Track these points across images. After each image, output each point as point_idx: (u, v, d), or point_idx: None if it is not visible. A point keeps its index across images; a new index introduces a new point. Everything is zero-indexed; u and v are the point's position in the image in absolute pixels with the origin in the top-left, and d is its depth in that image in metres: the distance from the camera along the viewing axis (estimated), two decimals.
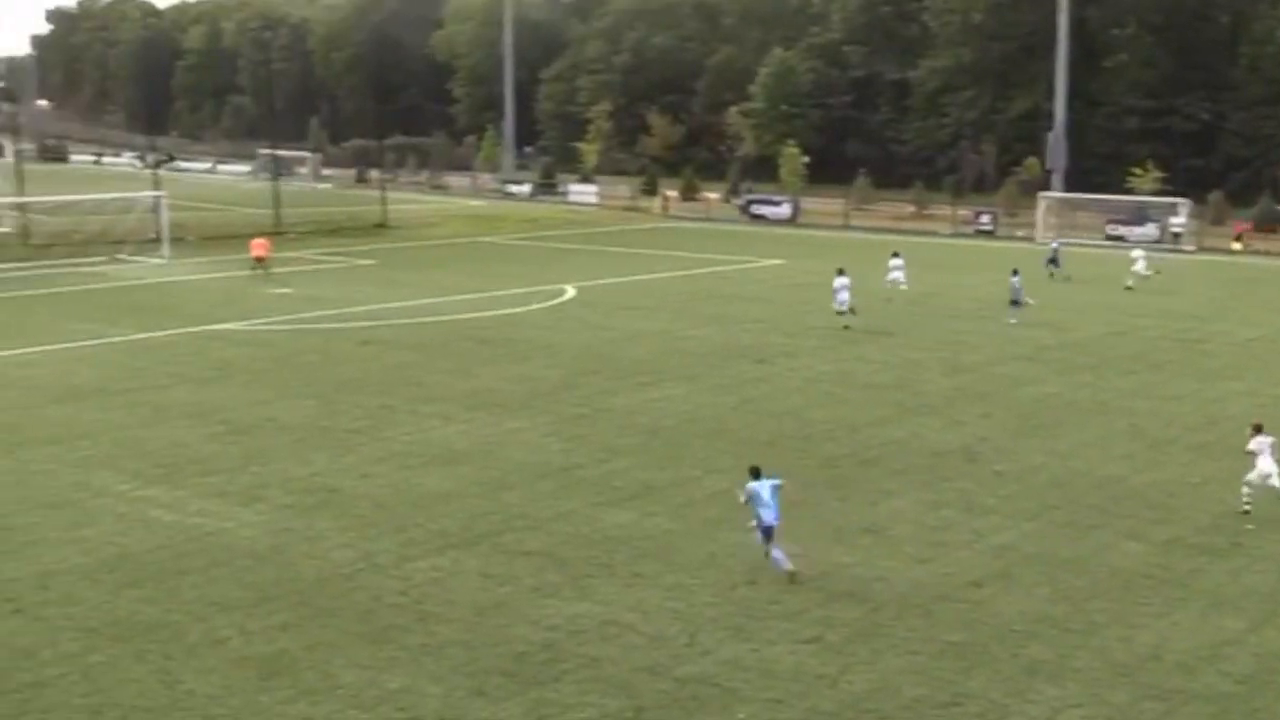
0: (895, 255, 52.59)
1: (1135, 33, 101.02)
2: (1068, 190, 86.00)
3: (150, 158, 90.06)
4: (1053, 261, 57.87)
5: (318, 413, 31.32)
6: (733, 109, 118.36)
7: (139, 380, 35.01)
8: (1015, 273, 46.98)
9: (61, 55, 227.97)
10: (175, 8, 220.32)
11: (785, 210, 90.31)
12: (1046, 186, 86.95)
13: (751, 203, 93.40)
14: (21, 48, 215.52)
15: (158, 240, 64.42)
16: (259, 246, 58.45)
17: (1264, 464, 23.49)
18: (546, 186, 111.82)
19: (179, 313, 46.80)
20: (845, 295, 44.39)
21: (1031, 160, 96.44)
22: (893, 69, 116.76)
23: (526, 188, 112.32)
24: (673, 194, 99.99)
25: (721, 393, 33.83)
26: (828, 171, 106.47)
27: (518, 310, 47.81)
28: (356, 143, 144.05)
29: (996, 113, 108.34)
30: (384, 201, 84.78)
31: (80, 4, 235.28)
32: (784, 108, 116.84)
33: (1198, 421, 31.01)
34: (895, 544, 22.26)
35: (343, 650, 17.83)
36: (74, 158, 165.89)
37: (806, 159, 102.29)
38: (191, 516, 23.42)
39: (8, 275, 56.29)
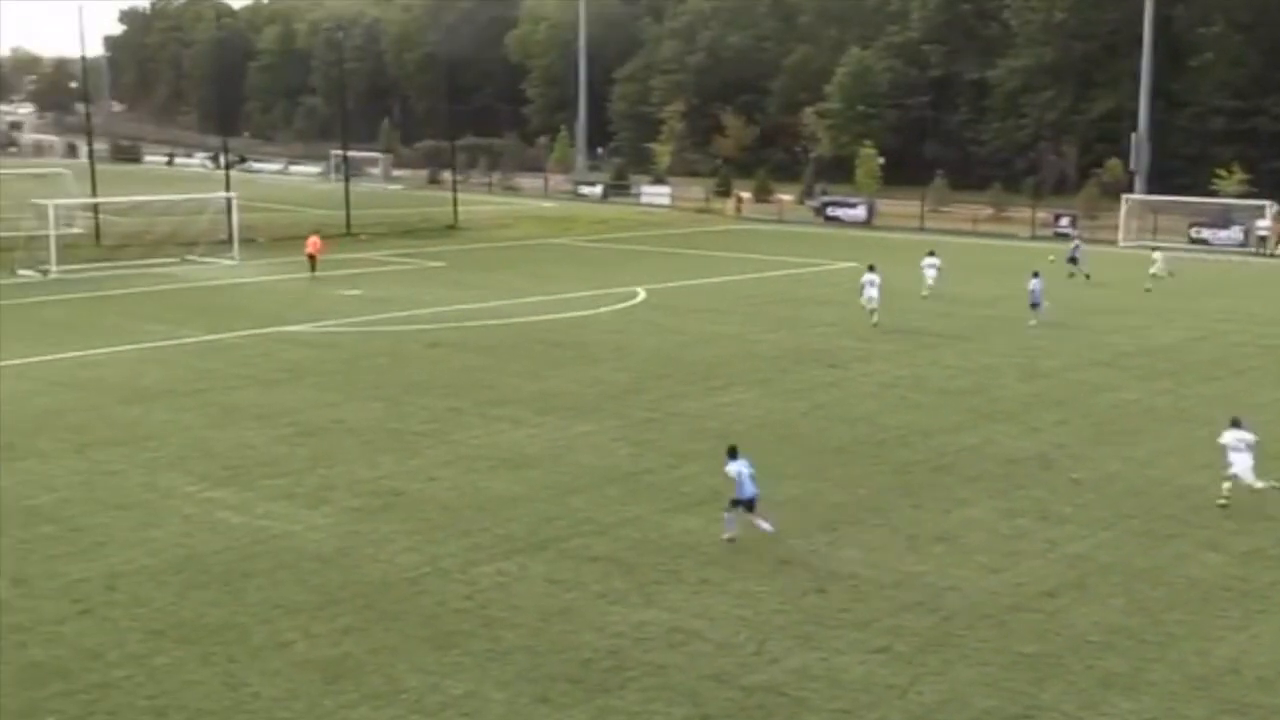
0: (930, 254, 53.12)
1: (1223, 31, 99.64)
2: (1150, 192, 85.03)
3: (223, 159, 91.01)
4: (1072, 260, 57.97)
5: (385, 415, 31.59)
6: (808, 109, 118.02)
7: (208, 381, 35.47)
8: (1036, 275, 46.94)
9: (135, 56, 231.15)
10: (249, 8, 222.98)
11: (860, 212, 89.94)
12: (1129, 189, 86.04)
13: (826, 205, 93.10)
14: (95, 48, 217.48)
15: (229, 241, 65.18)
16: (312, 244, 59.64)
17: (1238, 461, 24.38)
18: (619, 188, 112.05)
19: (248, 314, 47.36)
20: (873, 292, 45.18)
21: (1113, 162, 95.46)
22: (972, 68, 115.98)
23: (598, 189, 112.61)
24: (746, 195, 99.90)
25: (793, 397, 33.76)
26: (904, 173, 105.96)
27: (588, 313, 47.96)
28: (428, 143, 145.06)
29: (1078, 113, 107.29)
30: (455, 203, 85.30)
31: (154, 4, 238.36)
32: (860, 108, 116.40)
33: None
34: (968, 553, 22.12)
35: (407, 655, 17.98)
36: (146, 159, 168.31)
37: (882, 160, 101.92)
38: (258, 518, 23.70)
39: (80, 276, 57.21)
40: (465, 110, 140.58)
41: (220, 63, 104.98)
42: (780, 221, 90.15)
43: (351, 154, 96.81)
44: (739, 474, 22.47)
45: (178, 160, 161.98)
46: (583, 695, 16.86)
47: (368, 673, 17.45)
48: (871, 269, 46.13)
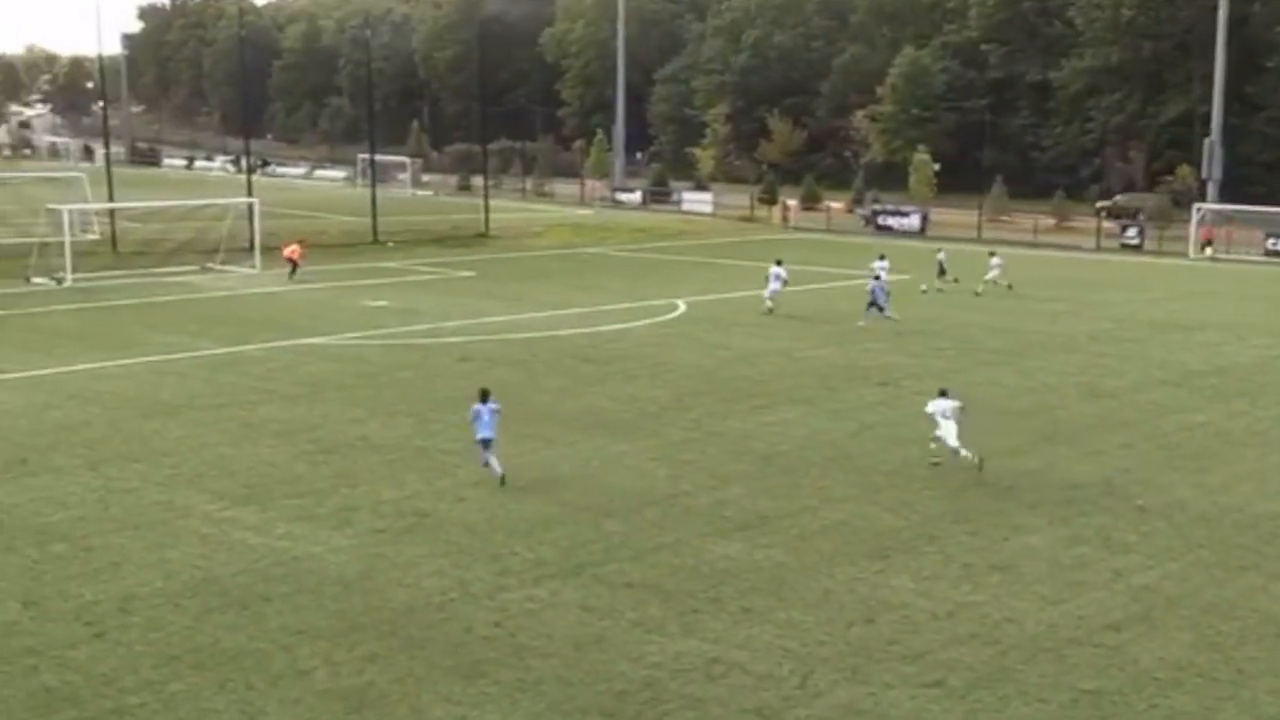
0: (881, 258, 55.75)
1: None
2: (1223, 201, 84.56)
3: (245, 162, 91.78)
4: (941, 273, 59.02)
5: (412, 432, 31.72)
6: (859, 112, 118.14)
7: (227, 396, 35.71)
8: (877, 278, 48.76)
9: (154, 55, 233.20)
10: (273, 5, 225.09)
11: (914, 221, 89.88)
12: (1200, 197, 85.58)
13: (877, 213, 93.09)
14: (112, 46, 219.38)
15: (250, 249, 65.62)
16: (291, 250, 61.54)
17: (946, 428, 27.96)
18: (658, 194, 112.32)
19: (270, 325, 47.66)
20: (776, 285, 50.34)
21: (1184, 168, 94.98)
22: (1034, 69, 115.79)
23: (637, 196, 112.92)
24: (793, 203, 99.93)
25: (841, 417, 33.72)
26: (960, 180, 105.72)
27: (625, 326, 48.04)
28: (459, 147, 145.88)
29: (1146, 117, 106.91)
30: (486, 209, 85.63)
31: (174, 1, 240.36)
32: (914, 111, 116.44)
33: None
34: (1026, 583, 22.03)
35: (433, 684, 18.03)
36: (165, 162, 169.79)
37: (937, 166, 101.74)
38: (278, 539, 23.83)
39: (95, 284, 57.69)
40: (498, 112, 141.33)
41: (242, 62, 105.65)
42: (829, 230, 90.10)
43: (379, 158, 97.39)
44: (476, 412, 27.04)
45: (198, 164, 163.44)
46: None
47: (392, 703, 17.51)
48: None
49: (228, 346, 43.20)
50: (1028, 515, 25.68)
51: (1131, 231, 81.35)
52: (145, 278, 60.27)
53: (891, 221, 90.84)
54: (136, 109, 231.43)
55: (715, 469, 28.69)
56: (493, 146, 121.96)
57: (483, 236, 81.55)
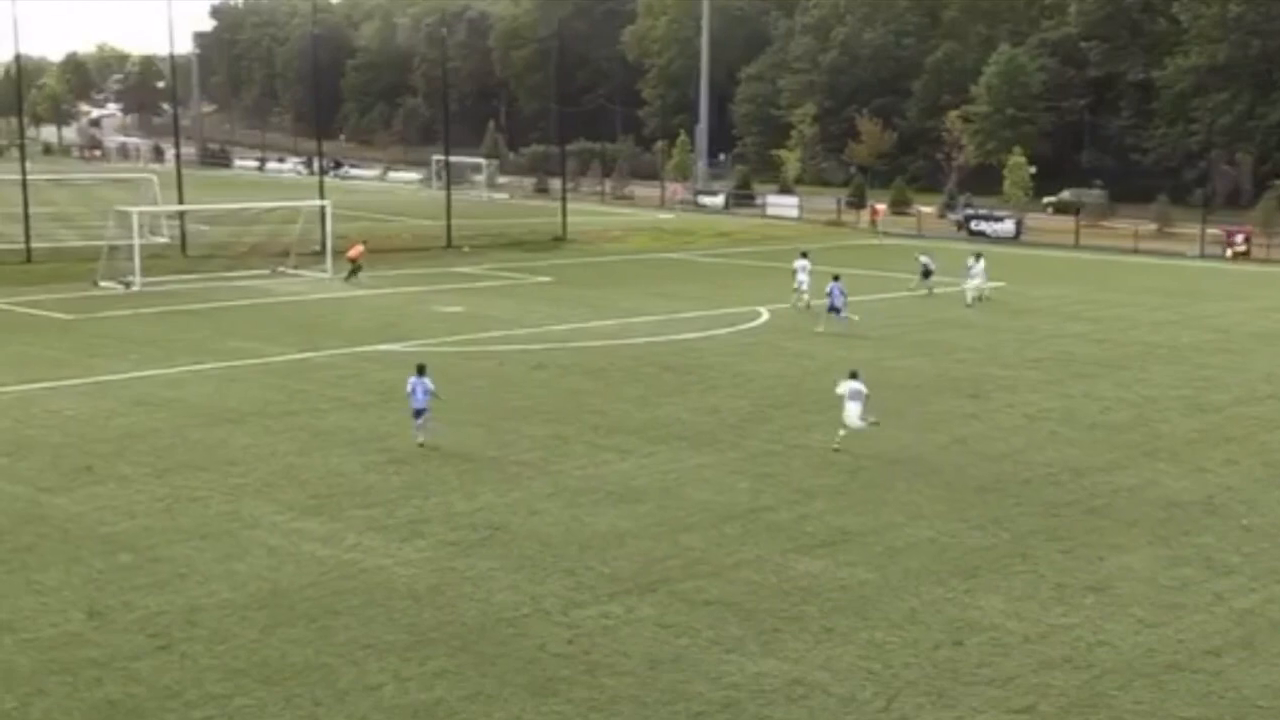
0: (802, 255, 56.09)
1: None
2: None
3: (317, 164, 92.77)
4: (926, 275, 59.23)
5: (485, 442, 31.91)
6: (952, 113, 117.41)
7: (296, 403, 36.09)
8: (836, 278, 49.25)
9: (225, 54, 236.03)
10: (347, 3, 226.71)
11: (1008, 227, 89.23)
12: None
13: (970, 218, 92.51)
14: (184, 45, 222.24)
15: (322, 253, 66.25)
16: (356, 250, 62.52)
17: (850, 409, 31.01)
18: (742, 197, 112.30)
19: (340, 331, 48.12)
20: (804, 278, 52.51)
21: None
22: (1136, 68, 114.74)
23: (720, 199, 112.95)
24: (882, 207, 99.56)
25: (930, 430, 33.57)
26: (1057, 184, 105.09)
27: (706, 334, 48.07)
28: (536, 149, 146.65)
29: (1255, 118, 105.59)
30: (564, 213, 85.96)
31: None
32: (1010, 111, 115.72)
33: None
34: (1123, 604, 21.83)
35: (504, 702, 18.14)
36: (237, 163, 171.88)
37: (1033, 169, 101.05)
38: (347, 551, 24.05)
39: (164, 289, 58.44)
40: (576, 113, 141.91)
41: (315, 61, 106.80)
42: (919, 236, 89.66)
43: (454, 159, 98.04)
44: (412, 386, 31.14)
45: (269, 165, 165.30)
46: None
47: None
48: (804, 255, 54.31)
49: (298, 353, 43.64)
50: (1125, 534, 25.46)
51: (1240, 238, 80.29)
52: (215, 282, 60.99)
53: (985, 227, 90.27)
54: (208, 109, 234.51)
55: (798, 483, 28.65)
56: (571, 148, 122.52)
57: (560, 241, 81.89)
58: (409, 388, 31.31)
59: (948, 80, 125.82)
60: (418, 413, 31.16)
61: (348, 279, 61.46)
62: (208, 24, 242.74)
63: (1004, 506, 27.03)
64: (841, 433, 31.05)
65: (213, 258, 68.19)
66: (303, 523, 25.69)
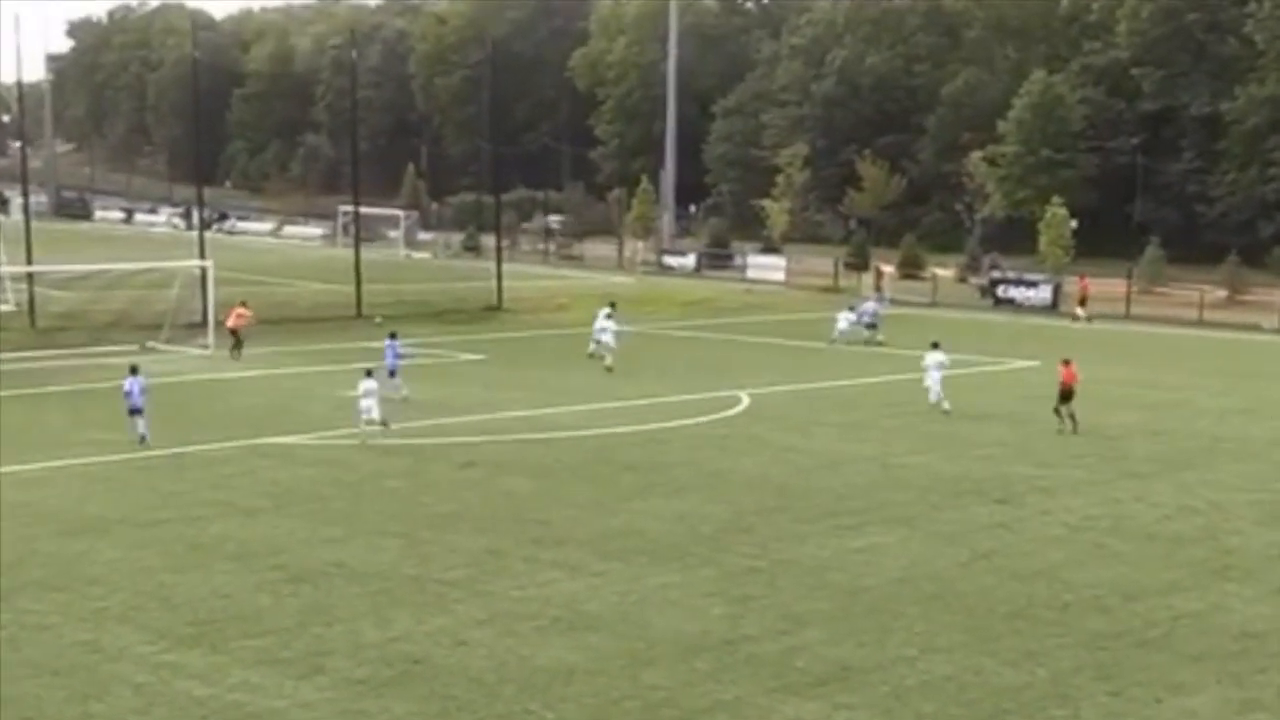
0: (610, 307, 62.93)
1: None
2: None
3: (197, 216, 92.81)
4: (871, 326, 68.36)
5: (402, 557, 31.85)
6: (975, 154, 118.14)
7: (171, 509, 35.95)
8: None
9: (86, 80, 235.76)
10: (234, 19, 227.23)
11: (1044, 294, 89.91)
12: None
13: (997, 282, 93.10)
14: (35, 71, 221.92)
15: (202, 324, 66.13)
16: (236, 316, 63.31)
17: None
18: (717, 258, 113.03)
19: (227, 420, 48.02)
20: (608, 338, 57.02)
21: None
22: (1200, 99, 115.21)
23: (690, 259, 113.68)
24: (889, 269, 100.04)
25: (948, 543, 33.67)
26: (1104, 241, 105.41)
27: (674, 424, 48.17)
28: (465, 198, 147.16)
29: None
30: (499, 276, 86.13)
31: (112, 14, 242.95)
32: (1046, 153, 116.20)
33: None
34: None
35: None
36: (98, 214, 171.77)
37: (1075, 223, 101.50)
38: (231, 690, 23.96)
39: (10, 367, 58.18)
40: (515, 154, 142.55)
41: (196, 90, 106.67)
42: (935, 305, 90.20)
43: (365, 211, 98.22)
44: (129, 389, 40.89)
45: (138, 217, 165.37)
46: None
47: None
48: (611, 309, 59.48)
49: (174, 447, 43.48)
50: (1188, 671, 25.55)
51: None
52: (72, 359, 60.79)
53: (1015, 293, 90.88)
54: (63, 148, 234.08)
55: (786, 607, 28.68)
56: (507, 197, 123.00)
57: (494, 310, 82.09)
58: (125, 389, 41.02)
59: (969, 115, 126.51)
60: (135, 411, 40.57)
61: (232, 354, 61.44)
62: (64, 44, 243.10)
63: (1039, 637, 27.09)
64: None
65: (68, 329, 68.01)
66: (177, 655, 25.56)
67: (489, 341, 69.63)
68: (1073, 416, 46.51)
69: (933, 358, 49.98)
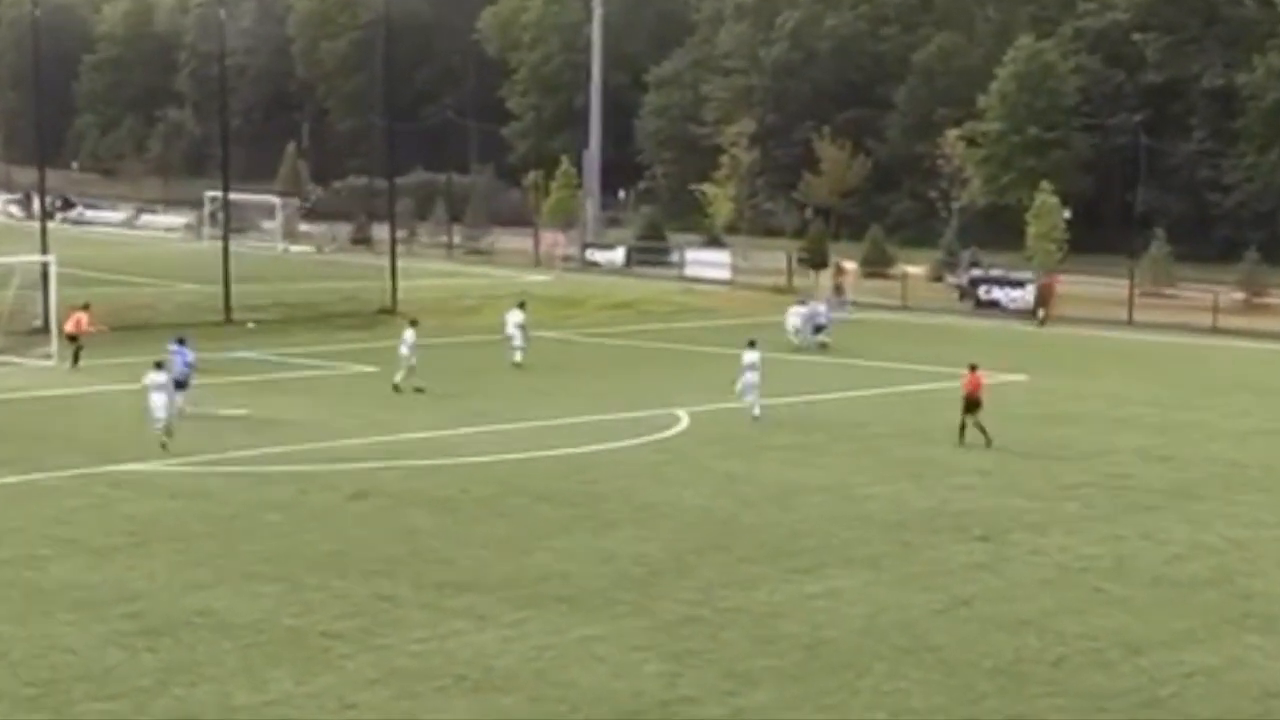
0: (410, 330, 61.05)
1: None
2: None
3: (38, 203, 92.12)
4: (819, 329, 71.09)
5: (280, 605, 31.68)
6: (951, 132, 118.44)
7: (7, 548, 35.64)
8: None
9: None
10: None
11: (1031, 295, 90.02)
12: None
13: (978, 282, 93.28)
14: None
15: (44, 330, 65.70)
16: (74, 322, 62.96)
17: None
18: (650, 252, 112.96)
19: (73, 443, 47.70)
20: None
21: None
22: (1213, 70, 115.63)
23: (618, 254, 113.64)
24: (851, 266, 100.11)
25: (921, 587, 33.72)
26: (1101, 233, 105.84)
27: (602, 448, 48.17)
28: (355, 182, 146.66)
29: None
30: (394, 274, 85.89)
31: None
32: (1034, 131, 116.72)
33: None
34: None
35: None
36: None
37: (1068, 213, 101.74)
38: None
39: None
40: (413, 131, 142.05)
41: (37, 56, 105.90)
42: (905, 308, 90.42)
43: (236, 197, 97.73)
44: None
45: None
46: None
47: None
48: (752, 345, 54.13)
49: (9, 475, 43.21)
50: None
51: None
52: None
53: (999, 294, 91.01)
54: None
55: (732, 664, 28.65)
56: (403, 181, 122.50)
57: (388, 314, 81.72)
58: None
59: (945, 86, 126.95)
60: (177, 384, 38.92)
61: (72, 365, 61.05)
62: None
63: (1027, 697, 27.16)
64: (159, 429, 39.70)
65: None
66: None
67: (383, 350, 69.28)
68: (981, 428, 47.71)
69: (748, 357, 52.56)
